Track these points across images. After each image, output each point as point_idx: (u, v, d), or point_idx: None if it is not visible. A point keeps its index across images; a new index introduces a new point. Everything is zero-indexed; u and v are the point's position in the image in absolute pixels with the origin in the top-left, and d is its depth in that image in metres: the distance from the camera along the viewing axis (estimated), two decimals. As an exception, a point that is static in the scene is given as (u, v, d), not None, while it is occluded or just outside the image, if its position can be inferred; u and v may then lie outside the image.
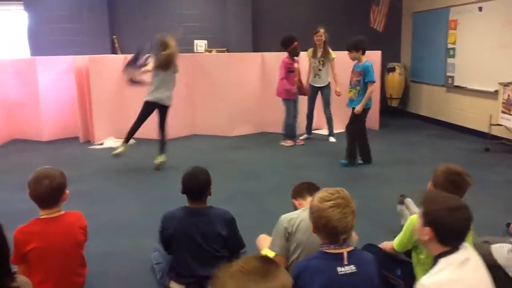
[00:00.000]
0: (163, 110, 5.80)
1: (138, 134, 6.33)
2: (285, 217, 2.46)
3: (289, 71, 6.95)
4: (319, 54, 7.24)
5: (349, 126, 5.87)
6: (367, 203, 4.32)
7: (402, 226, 3.53)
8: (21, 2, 9.52)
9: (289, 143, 7.11)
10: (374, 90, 5.85)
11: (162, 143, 5.90)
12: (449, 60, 8.33)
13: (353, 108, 5.72)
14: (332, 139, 7.43)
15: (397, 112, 9.78)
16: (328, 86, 7.31)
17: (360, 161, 5.97)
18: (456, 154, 6.51)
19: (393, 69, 9.67)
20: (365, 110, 5.75)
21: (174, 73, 5.77)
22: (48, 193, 2.35)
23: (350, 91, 5.86)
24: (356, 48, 5.66)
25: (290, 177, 5.11)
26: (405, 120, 9.40)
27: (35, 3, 9.50)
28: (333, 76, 7.26)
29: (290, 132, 7.19)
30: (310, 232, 2.25)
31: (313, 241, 2.28)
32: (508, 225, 3.79)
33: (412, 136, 7.84)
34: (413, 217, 2.95)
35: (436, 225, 1.87)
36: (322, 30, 7.17)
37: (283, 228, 2.42)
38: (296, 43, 6.89)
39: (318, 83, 7.32)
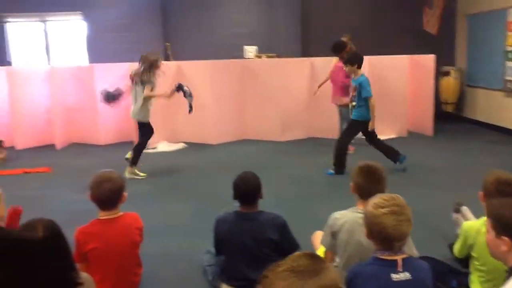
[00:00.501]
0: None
1: (190, 138, 6.48)
2: (333, 215, 2.51)
3: (346, 76, 6.45)
4: None
5: (341, 136, 5.87)
6: (421, 210, 4.22)
7: (457, 235, 3.43)
8: (80, 12, 9.98)
9: (352, 149, 6.60)
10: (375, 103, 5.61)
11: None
12: (508, 64, 7.98)
13: (353, 120, 5.69)
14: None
15: (452, 117, 9.47)
16: None
17: (331, 171, 5.75)
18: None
19: (447, 73, 9.39)
20: (362, 122, 5.61)
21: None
22: (109, 195, 2.45)
23: (352, 102, 5.76)
24: (351, 62, 5.56)
25: (341, 183, 5.07)
26: (460, 126, 9.08)
27: (93, 13, 9.93)
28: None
29: None
30: (353, 234, 2.29)
31: (356, 243, 2.31)
32: None
33: (468, 142, 7.57)
34: (467, 223, 2.87)
35: None
36: (345, 38, 7.15)
37: (329, 226, 2.49)
38: (349, 47, 6.71)
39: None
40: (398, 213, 1.89)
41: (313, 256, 1.38)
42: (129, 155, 5.88)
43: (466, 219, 3.52)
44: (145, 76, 5.61)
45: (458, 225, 3.59)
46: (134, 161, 5.85)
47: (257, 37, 9.90)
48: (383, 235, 1.89)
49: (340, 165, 5.69)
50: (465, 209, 3.65)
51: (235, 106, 7.71)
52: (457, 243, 2.60)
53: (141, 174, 5.89)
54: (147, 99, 5.70)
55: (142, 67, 5.65)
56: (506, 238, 1.80)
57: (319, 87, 7.18)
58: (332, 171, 5.73)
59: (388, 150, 5.82)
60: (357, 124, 5.66)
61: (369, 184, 2.44)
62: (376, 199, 1.97)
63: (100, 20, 9.94)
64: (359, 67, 5.57)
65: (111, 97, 6.29)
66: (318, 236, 2.86)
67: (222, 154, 6.86)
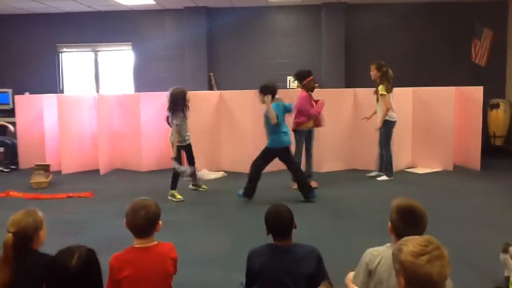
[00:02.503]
0: None
1: (230, 167, 6.52)
2: (369, 252, 2.37)
3: (312, 105, 6.61)
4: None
5: (255, 161, 6.04)
6: (466, 249, 4.00)
7: (506, 278, 3.22)
8: (130, 43, 10.36)
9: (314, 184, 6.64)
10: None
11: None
12: (562, 96, 7.64)
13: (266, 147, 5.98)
14: (382, 177, 7.17)
15: (501, 152, 9.09)
16: (386, 122, 6.96)
17: (241, 192, 6.00)
18: None
19: (497, 106, 9.07)
20: (274, 149, 5.92)
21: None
22: (144, 223, 2.44)
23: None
24: (264, 92, 5.87)
25: (383, 216, 4.90)
26: (510, 161, 8.68)
27: (141, 44, 10.31)
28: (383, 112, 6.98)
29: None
30: (391, 271, 2.11)
31: (395, 281, 2.15)
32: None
33: (518, 178, 7.21)
34: None
35: None
36: (372, 66, 7.14)
37: (365, 263, 2.33)
38: (312, 77, 6.68)
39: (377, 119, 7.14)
40: (440, 257, 1.74)
41: None
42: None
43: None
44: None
45: (507, 267, 3.38)
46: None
47: (300, 68, 9.90)
48: (428, 285, 1.72)
49: (250, 189, 5.96)
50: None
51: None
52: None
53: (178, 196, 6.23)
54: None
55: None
56: None
57: (368, 118, 7.26)
58: (241, 192, 6.01)
59: (303, 183, 5.99)
60: (269, 151, 5.93)
61: (409, 228, 2.22)
62: (412, 246, 1.77)
63: (148, 50, 10.30)
64: (273, 96, 5.89)
65: None
66: (351, 278, 2.74)
67: (261, 183, 6.81)
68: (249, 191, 6.01)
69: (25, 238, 2.35)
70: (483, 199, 5.98)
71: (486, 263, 3.76)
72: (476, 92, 7.60)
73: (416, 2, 9.56)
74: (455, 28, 9.56)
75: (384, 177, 7.15)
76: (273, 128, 5.90)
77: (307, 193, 5.99)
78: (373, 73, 7.07)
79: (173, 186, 6.26)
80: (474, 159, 7.65)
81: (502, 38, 9.47)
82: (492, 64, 9.30)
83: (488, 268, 3.68)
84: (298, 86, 7.42)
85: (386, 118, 6.93)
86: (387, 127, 7.00)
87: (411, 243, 1.78)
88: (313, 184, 6.51)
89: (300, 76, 6.75)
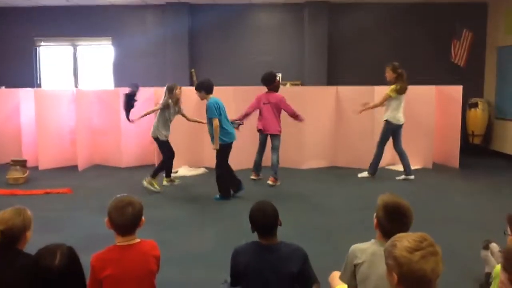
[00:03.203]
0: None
1: (211, 163, 6.48)
2: (353, 248, 2.38)
3: (263, 103, 6.84)
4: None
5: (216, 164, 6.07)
6: (447, 246, 4.04)
7: (487, 274, 3.26)
8: (110, 38, 10.21)
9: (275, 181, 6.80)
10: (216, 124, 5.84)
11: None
12: (539, 97, 7.80)
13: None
14: (362, 173, 7.20)
15: (479, 150, 9.24)
16: (387, 122, 6.94)
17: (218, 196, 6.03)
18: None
19: (475, 105, 9.21)
20: (223, 145, 5.90)
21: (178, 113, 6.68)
22: (130, 221, 2.38)
23: None
24: (199, 89, 6.03)
25: (366, 213, 4.92)
26: (488, 159, 8.84)
27: (122, 39, 10.17)
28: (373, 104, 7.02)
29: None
30: (374, 267, 2.18)
31: (378, 277, 2.17)
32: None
33: (497, 177, 7.33)
34: (498, 267, 2.71)
35: None
36: (387, 67, 6.96)
37: (350, 260, 2.35)
38: (278, 80, 6.83)
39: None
40: (435, 254, 1.73)
41: None
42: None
43: (495, 256, 3.35)
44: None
45: (488, 264, 3.42)
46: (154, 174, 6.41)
47: (282, 64, 9.94)
48: (421, 281, 1.71)
49: (224, 191, 6.01)
50: (494, 246, 3.48)
51: (254, 133, 7.66)
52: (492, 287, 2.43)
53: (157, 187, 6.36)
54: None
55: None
56: None
57: (362, 111, 7.13)
58: (218, 196, 6.02)
59: (220, 180, 6.03)
60: (222, 148, 5.92)
61: (395, 225, 2.24)
62: (407, 241, 1.77)
63: (128, 45, 10.16)
64: (208, 92, 5.98)
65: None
66: (335, 277, 2.73)
67: (243, 180, 6.79)
68: (227, 192, 6.03)
69: (12, 237, 2.29)
70: (462, 197, 6.06)
71: (467, 260, 3.81)
72: (456, 92, 7.71)
73: (398, 3, 9.64)
74: (436, 29, 9.68)
75: (365, 174, 7.18)
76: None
77: (227, 192, 6.06)
78: (389, 74, 6.89)
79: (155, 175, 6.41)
80: (453, 157, 7.77)
81: (481, 39, 9.62)
82: (471, 64, 9.44)
83: (469, 265, 3.72)
84: (283, 84, 7.46)
85: (388, 119, 6.88)
86: (387, 126, 6.95)
87: (406, 239, 1.76)
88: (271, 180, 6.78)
89: (267, 80, 6.82)
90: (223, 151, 5.94)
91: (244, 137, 7.02)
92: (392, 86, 6.81)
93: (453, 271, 3.57)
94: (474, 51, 9.43)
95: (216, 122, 5.80)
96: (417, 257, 1.70)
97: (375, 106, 7.00)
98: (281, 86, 7.20)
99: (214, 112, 5.81)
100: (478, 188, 6.57)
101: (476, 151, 9.16)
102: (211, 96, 5.96)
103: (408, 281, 1.72)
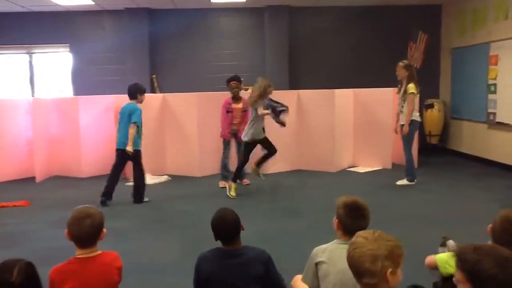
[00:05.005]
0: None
1: (174, 171, 6.44)
2: (315, 250, 2.46)
3: (227, 111, 6.87)
4: (402, 90, 6.75)
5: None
6: (407, 244, 4.13)
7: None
8: (67, 45, 9.97)
9: (223, 184, 6.84)
10: None
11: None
12: (490, 96, 8.11)
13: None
14: (400, 181, 6.83)
15: (436, 149, 9.53)
16: (412, 122, 6.67)
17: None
18: (503, 193, 6.24)
19: (432, 106, 9.50)
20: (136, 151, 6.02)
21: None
22: (89, 233, 2.33)
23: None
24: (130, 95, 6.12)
25: (329, 215, 4.98)
26: (445, 158, 9.13)
27: (80, 45, 9.95)
28: (407, 112, 6.66)
29: (222, 170, 7.01)
30: (334, 263, 2.27)
31: (338, 271, 2.25)
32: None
33: (453, 174, 7.57)
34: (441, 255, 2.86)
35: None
36: (400, 64, 6.75)
37: (312, 261, 2.43)
38: (232, 83, 6.80)
39: (400, 120, 6.77)
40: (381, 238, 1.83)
41: None
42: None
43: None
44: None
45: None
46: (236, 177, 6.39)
47: (244, 70, 9.95)
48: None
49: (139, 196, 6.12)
50: (451, 243, 3.57)
51: (220, 138, 7.64)
52: None
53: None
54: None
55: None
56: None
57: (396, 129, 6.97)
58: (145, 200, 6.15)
59: (111, 183, 6.10)
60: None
61: (354, 221, 2.37)
62: (359, 238, 1.85)
63: (87, 52, 9.96)
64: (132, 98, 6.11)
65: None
66: (297, 280, 2.77)
67: (206, 186, 6.76)
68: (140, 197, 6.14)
69: None
70: (421, 196, 6.23)
71: (424, 257, 3.90)
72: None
73: (356, 6, 9.83)
74: (393, 31, 9.92)
75: (404, 181, 6.85)
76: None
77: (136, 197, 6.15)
78: (401, 72, 6.70)
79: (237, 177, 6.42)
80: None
81: (436, 41, 9.93)
82: (427, 66, 9.72)
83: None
84: (245, 89, 7.48)
85: (413, 118, 6.64)
86: (412, 127, 6.68)
87: (359, 237, 1.84)
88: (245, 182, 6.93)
89: (227, 81, 6.90)
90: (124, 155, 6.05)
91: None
92: (411, 85, 6.59)
93: (411, 266, 3.66)
94: (429, 53, 9.72)
95: (133, 128, 5.89)
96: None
97: (410, 111, 6.60)
98: (243, 91, 7.20)
99: (137, 117, 5.95)
100: (435, 186, 6.77)
101: (433, 150, 9.44)
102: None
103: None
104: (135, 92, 6.09)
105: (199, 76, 9.89)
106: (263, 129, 6.38)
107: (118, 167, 6.13)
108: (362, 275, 1.75)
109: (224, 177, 6.92)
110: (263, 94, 6.08)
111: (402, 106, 6.70)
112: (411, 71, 6.69)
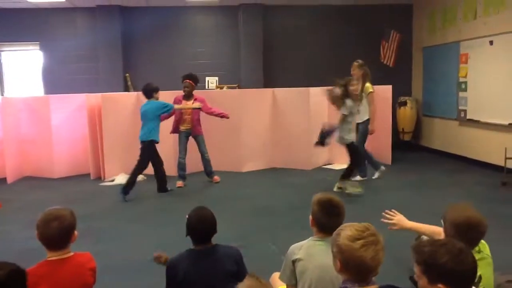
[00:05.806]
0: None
1: (149, 170, 6.39)
2: (292, 248, 2.48)
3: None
4: (359, 89, 6.75)
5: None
6: (384, 239, 4.20)
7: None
8: (37, 43, 9.76)
9: (179, 184, 6.87)
10: None
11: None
12: (461, 94, 8.29)
13: None
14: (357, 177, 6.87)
15: (409, 146, 9.69)
16: (364, 123, 6.90)
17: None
18: (472, 189, 6.39)
19: (404, 103, 9.65)
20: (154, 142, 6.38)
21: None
22: (58, 235, 2.28)
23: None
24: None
25: (304, 212, 5.01)
26: (418, 154, 9.29)
27: (51, 43, 9.75)
28: (370, 111, 6.89)
29: (179, 171, 6.98)
30: (310, 258, 2.30)
31: (315, 266, 2.29)
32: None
33: (426, 171, 7.72)
34: None
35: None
36: (355, 64, 6.94)
37: (289, 259, 2.44)
38: (186, 81, 6.90)
39: (357, 119, 6.76)
40: (375, 243, 1.84)
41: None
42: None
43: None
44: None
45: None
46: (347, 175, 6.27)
47: (219, 68, 9.95)
48: (362, 268, 1.82)
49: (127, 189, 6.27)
50: (425, 238, 3.64)
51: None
52: None
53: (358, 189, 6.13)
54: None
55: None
56: (441, 285, 1.70)
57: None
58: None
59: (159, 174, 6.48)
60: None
61: (330, 218, 2.39)
62: (349, 230, 1.88)
63: (58, 50, 9.77)
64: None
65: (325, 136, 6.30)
66: (274, 278, 2.78)
67: (187, 185, 6.70)
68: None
69: None
70: (396, 191, 6.33)
71: (402, 252, 3.96)
72: (386, 91, 8.05)
73: (329, 5, 9.91)
74: (366, 30, 10.03)
75: (376, 174, 7.11)
76: None
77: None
78: (355, 71, 6.82)
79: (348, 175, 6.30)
80: (385, 153, 8.10)
81: (408, 39, 10.09)
82: (400, 64, 9.88)
83: (404, 256, 3.87)
84: (217, 87, 7.46)
85: (368, 117, 6.84)
86: (366, 125, 6.90)
87: (349, 228, 1.87)
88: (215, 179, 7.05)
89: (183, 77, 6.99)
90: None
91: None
92: (369, 84, 6.79)
93: (386, 261, 3.72)
94: (402, 52, 9.88)
95: None
96: (358, 245, 1.81)
97: (375, 109, 6.91)
98: (218, 89, 7.20)
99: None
100: (409, 182, 6.89)
101: (406, 147, 9.60)
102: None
103: (350, 267, 1.82)
104: (150, 92, 6.50)
105: (174, 75, 9.79)
106: (350, 130, 6.25)
107: (155, 159, 6.44)
108: (374, 271, 1.86)
109: (181, 177, 6.90)
110: (345, 94, 6.03)
111: (359, 105, 6.67)
112: (365, 70, 6.86)
